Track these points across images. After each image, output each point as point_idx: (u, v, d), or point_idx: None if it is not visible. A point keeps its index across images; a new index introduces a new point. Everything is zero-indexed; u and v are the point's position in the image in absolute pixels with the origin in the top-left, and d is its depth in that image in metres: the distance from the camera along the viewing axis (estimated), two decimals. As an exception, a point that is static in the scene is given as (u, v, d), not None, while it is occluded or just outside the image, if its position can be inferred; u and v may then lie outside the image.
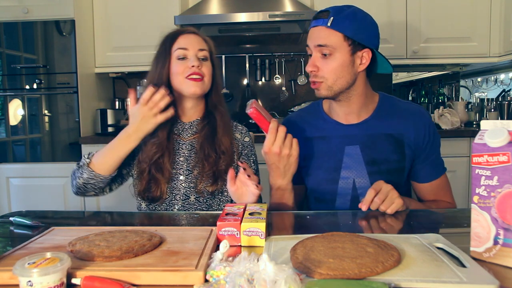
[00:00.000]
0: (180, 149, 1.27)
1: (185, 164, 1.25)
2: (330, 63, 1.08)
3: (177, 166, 1.25)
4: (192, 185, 1.23)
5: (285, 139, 1.04)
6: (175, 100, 1.23)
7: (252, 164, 1.31)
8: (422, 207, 1.16)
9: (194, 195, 1.23)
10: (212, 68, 1.26)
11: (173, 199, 1.23)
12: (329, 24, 1.06)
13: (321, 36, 1.08)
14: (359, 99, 1.16)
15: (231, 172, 1.07)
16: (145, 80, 1.29)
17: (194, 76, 1.19)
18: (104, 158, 1.15)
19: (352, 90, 1.14)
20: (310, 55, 1.13)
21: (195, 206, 1.23)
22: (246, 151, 1.31)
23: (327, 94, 1.12)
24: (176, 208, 1.23)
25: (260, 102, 1.08)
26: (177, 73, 1.20)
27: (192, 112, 1.29)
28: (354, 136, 1.18)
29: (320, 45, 1.08)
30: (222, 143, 1.23)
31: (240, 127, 1.34)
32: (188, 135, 1.28)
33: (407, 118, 1.17)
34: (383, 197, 0.99)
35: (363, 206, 0.99)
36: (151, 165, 1.21)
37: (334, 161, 1.18)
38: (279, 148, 1.04)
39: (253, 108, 1.05)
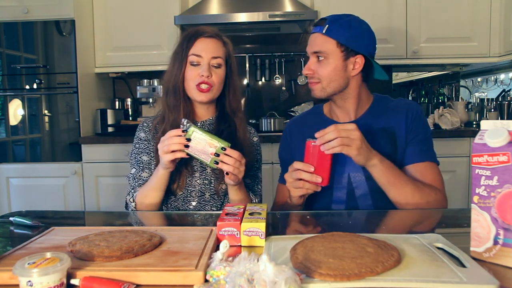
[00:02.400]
0: None
1: (199, 161, 1.23)
2: (324, 66, 1.17)
3: (191, 163, 1.25)
4: (206, 182, 1.25)
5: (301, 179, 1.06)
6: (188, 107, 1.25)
7: (256, 164, 1.34)
8: (403, 178, 1.11)
9: (209, 192, 1.25)
10: (225, 75, 1.25)
11: (189, 195, 1.24)
12: (324, 31, 1.16)
13: (317, 42, 1.18)
14: (354, 100, 1.23)
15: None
16: (164, 78, 1.29)
17: (202, 86, 1.20)
18: (148, 193, 1.17)
19: (346, 93, 1.21)
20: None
21: (211, 204, 1.25)
22: (252, 150, 1.33)
23: (321, 95, 1.21)
24: (193, 204, 1.23)
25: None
26: (188, 79, 1.22)
27: (203, 113, 1.30)
28: None
29: (315, 51, 1.18)
30: (243, 146, 1.24)
31: (248, 128, 1.37)
32: None
33: (397, 111, 1.23)
34: (344, 134, 1.01)
35: (318, 140, 1.02)
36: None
37: None
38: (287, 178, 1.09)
39: (307, 145, 1.05)
